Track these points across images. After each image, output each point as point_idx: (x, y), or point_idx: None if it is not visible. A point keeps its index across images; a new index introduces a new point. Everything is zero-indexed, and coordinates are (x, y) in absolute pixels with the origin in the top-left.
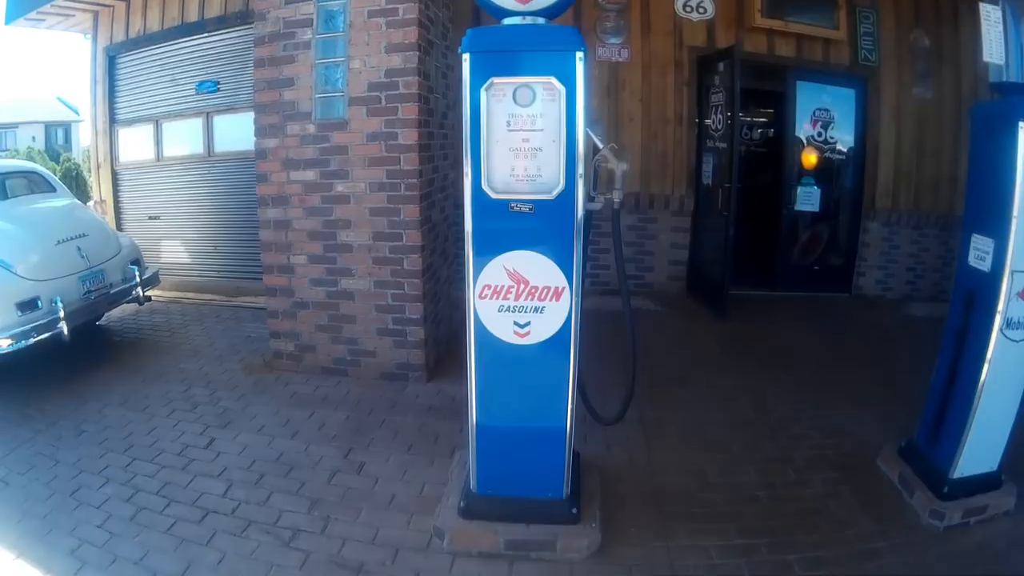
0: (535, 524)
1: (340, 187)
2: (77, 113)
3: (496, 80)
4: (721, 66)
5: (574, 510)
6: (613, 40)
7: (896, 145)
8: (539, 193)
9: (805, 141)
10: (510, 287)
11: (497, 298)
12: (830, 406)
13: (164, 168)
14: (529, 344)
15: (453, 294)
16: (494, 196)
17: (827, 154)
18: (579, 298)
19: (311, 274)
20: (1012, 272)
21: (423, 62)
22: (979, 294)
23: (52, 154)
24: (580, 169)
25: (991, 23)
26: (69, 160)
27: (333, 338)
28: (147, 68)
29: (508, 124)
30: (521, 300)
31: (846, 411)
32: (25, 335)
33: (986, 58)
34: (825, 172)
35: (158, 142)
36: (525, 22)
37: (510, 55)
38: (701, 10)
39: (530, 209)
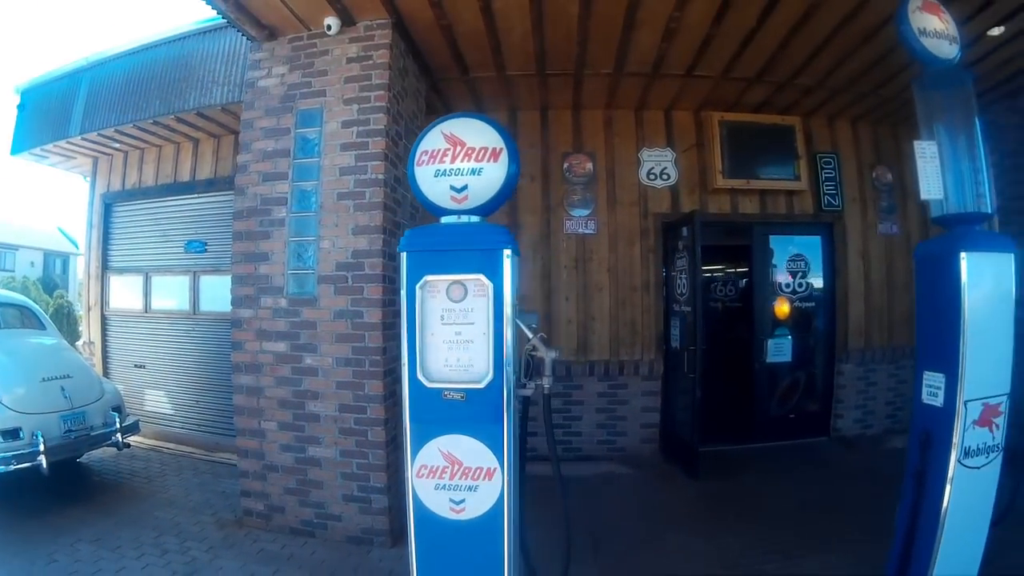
0: None
1: (309, 360)
2: (76, 246)
3: (430, 278)
4: (684, 231)
5: None
6: (580, 213)
7: (865, 284)
8: (470, 382)
9: (775, 293)
10: (445, 467)
11: (433, 477)
12: (802, 556)
13: (151, 320)
14: (465, 520)
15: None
16: (428, 385)
17: (797, 303)
18: (512, 475)
19: (281, 440)
20: (965, 403)
21: (388, 243)
22: (935, 430)
23: (48, 283)
24: (508, 359)
25: (927, 159)
26: (62, 297)
27: (301, 501)
28: (140, 220)
29: (442, 318)
30: (456, 480)
31: (820, 560)
32: (5, 461)
33: (924, 196)
34: (797, 321)
35: (147, 294)
36: (460, 220)
37: (442, 254)
38: (665, 176)
39: (462, 397)
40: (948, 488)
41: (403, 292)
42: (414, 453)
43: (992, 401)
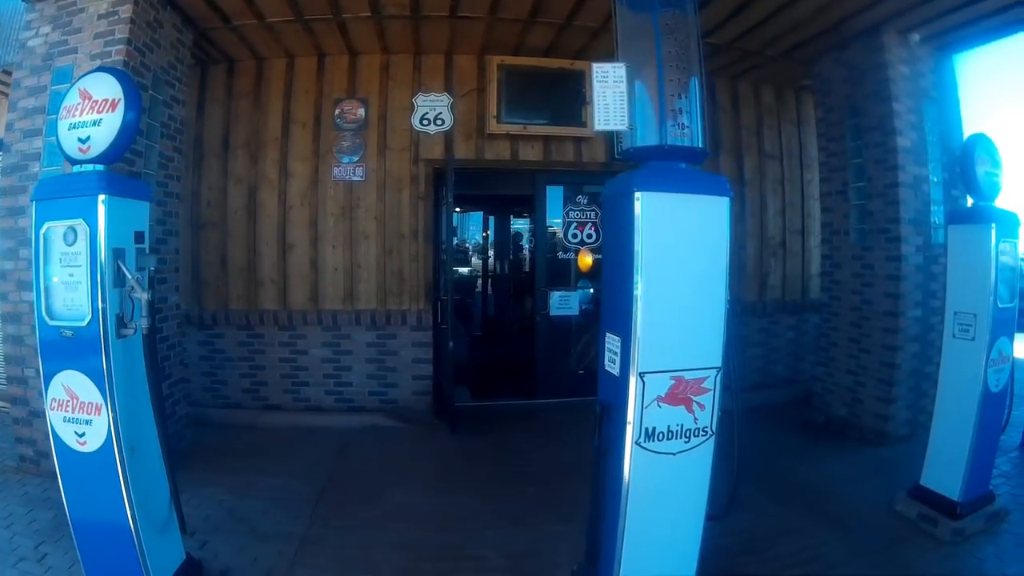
0: None
1: None
2: None
3: (49, 224)
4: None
5: None
6: (349, 159)
7: None
8: (77, 321)
9: (563, 245)
10: (67, 401)
11: (61, 410)
12: (533, 524)
13: None
14: (88, 452)
15: (178, 411)
16: (50, 323)
17: (589, 255)
18: (121, 413)
19: (40, 387)
20: (641, 374)
21: None
22: (613, 403)
23: None
24: (103, 299)
25: (608, 84)
26: None
27: None
28: None
29: (60, 261)
30: (76, 413)
31: (550, 529)
32: None
33: (599, 126)
34: (591, 273)
35: None
36: (84, 169)
37: (57, 202)
38: (439, 122)
39: (71, 335)
40: (627, 474)
41: (32, 237)
42: (46, 386)
43: (690, 375)
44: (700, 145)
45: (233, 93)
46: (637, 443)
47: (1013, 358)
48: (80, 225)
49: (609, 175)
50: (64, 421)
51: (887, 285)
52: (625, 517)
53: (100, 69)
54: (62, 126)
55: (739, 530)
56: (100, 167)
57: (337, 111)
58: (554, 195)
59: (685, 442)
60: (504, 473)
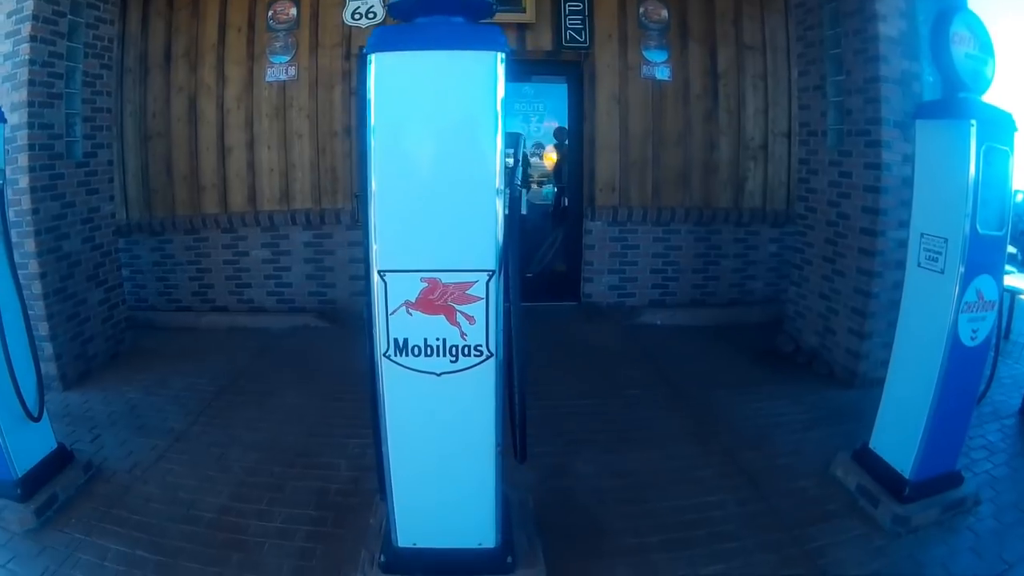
0: None
1: None
2: None
3: None
4: None
5: (19, 491)
6: (280, 59)
7: (621, 136)
8: None
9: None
10: None
11: None
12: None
13: None
14: None
15: (116, 315)
16: None
17: (553, 152)
18: None
19: None
20: (381, 273)
21: (39, 116)
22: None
23: None
24: None
25: None
26: None
27: None
28: None
29: None
30: None
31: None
32: None
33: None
34: (554, 171)
35: None
36: None
37: None
38: (371, 15)
39: None
40: (382, 392)
41: None
42: None
43: (449, 278)
44: None
45: (174, 5)
46: (386, 356)
47: (998, 304)
48: None
49: (558, 64)
50: None
51: (865, 198)
52: (387, 442)
53: None
54: None
55: (633, 470)
56: None
57: (270, 12)
58: None
59: (452, 361)
60: None
